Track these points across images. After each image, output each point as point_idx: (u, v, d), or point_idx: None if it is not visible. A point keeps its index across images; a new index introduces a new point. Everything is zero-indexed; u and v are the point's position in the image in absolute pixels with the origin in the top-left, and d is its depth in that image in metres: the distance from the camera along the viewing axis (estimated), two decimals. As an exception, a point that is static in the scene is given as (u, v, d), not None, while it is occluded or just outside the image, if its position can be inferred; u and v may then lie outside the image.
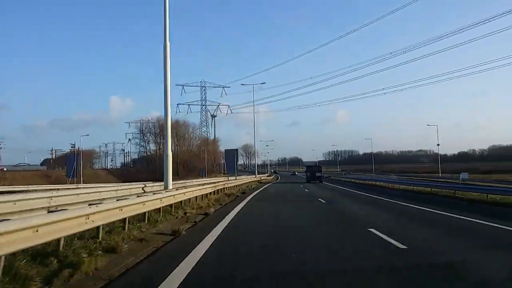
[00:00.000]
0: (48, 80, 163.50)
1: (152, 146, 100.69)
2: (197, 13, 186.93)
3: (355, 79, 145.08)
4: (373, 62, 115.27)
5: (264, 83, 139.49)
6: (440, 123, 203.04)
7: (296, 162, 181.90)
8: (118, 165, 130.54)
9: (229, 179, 33.40)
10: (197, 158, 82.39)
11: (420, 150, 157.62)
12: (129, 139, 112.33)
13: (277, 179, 67.09)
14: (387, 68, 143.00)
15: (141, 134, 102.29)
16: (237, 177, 37.07)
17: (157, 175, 79.15)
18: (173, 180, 17.62)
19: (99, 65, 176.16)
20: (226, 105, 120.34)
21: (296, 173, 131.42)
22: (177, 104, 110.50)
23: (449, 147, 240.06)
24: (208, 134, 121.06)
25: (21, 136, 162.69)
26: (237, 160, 35.73)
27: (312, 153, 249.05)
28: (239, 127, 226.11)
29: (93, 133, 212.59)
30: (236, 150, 36.07)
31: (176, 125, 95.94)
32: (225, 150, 38.26)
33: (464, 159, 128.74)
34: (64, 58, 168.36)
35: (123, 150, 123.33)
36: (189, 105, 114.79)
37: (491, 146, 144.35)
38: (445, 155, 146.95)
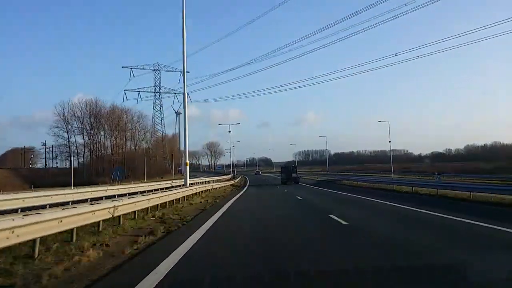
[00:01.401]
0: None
1: (79, 139, 75.89)
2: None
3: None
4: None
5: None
6: (411, 122, 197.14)
7: (265, 162, 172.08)
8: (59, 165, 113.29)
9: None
10: (147, 157, 69.08)
11: (394, 150, 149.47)
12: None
13: (246, 185, 43.96)
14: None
15: (64, 122, 73.18)
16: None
17: (88, 178, 64.44)
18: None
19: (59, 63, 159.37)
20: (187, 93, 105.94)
21: (260, 172, 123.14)
22: (124, 91, 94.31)
23: (420, 147, 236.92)
24: (163, 126, 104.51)
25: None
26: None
27: (282, 154, 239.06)
28: (206, 127, 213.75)
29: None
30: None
31: (111, 113, 77.94)
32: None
33: (440, 159, 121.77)
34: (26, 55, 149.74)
35: (44, 144, 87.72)
36: (139, 91, 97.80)
37: (466, 145, 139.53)
38: (420, 155, 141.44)
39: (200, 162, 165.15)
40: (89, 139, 75.06)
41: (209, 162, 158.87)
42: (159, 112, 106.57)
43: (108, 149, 76.44)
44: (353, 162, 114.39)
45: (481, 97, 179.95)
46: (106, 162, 71.40)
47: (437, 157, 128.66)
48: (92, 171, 66.61)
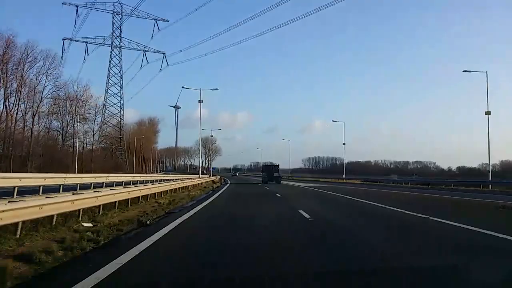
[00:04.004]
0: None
1: None
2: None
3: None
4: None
5: None
6: (437, 134, 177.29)
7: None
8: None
9: None
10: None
11: (418, 162, 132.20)
12: None
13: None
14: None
15: None
16: None
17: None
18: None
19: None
20: (159, 52, 76.15)
21: (238, 173, 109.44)
22: (63, 40, 68.73)
23: (446, 161, 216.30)
24: (121, 100, 70.20)
25: None
26: None
27: (288, 160, 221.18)
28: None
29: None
30: None
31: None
32: None
33: (475, 174, 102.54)
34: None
35: None
36: (86, 43, 69.38)
37: (502, 161, 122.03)
38: (450, 170, 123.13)
39: (191, 162, 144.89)
40: None
41: (202, 162, 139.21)
42: (118, 77, 71.78)
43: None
44: (372, 173, 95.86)
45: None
46: None
47: (465, 171, 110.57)
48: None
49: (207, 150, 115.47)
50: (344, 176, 59.18)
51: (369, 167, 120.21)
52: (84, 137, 55.23)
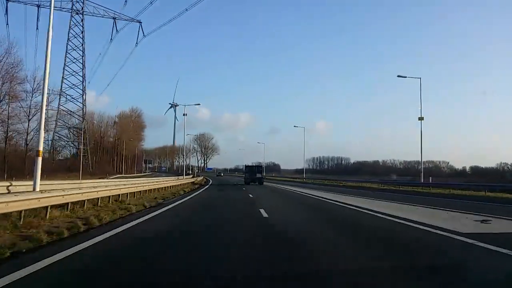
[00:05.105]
0: None
1: None
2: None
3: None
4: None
5: None
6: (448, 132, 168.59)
7: (272, 168, 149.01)
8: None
9: None
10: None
11: (430, 161, 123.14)
12: None
13: None
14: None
15: None
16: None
17: None
18: None
19: None
20: (134, 20, 62.21)
21: (222, 174, 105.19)
22: (6, 1, 56.55)
23: (459, 160, 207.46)
24: (85, 80, 56.99)
25: None
26: None
27: (293, 160, 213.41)
28: (215, 131, 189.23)
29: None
30: None
31: None
32: None
33: (495, 174, 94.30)
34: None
35: None
36: (38, 6, 55.22)
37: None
38: (464, 170, 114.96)
39: (185, 162, 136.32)
40: None
41: (198, 161, 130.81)
42: (79, 51, 56.84)
43: None
44: (382, 173, 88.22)
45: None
46: None
47: (487, 173, 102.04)
48: None
49: (204, 149, 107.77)
50: (422, 180, 40.42)
51: (377, 167, 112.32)
52: (8, 123, 39.36)
